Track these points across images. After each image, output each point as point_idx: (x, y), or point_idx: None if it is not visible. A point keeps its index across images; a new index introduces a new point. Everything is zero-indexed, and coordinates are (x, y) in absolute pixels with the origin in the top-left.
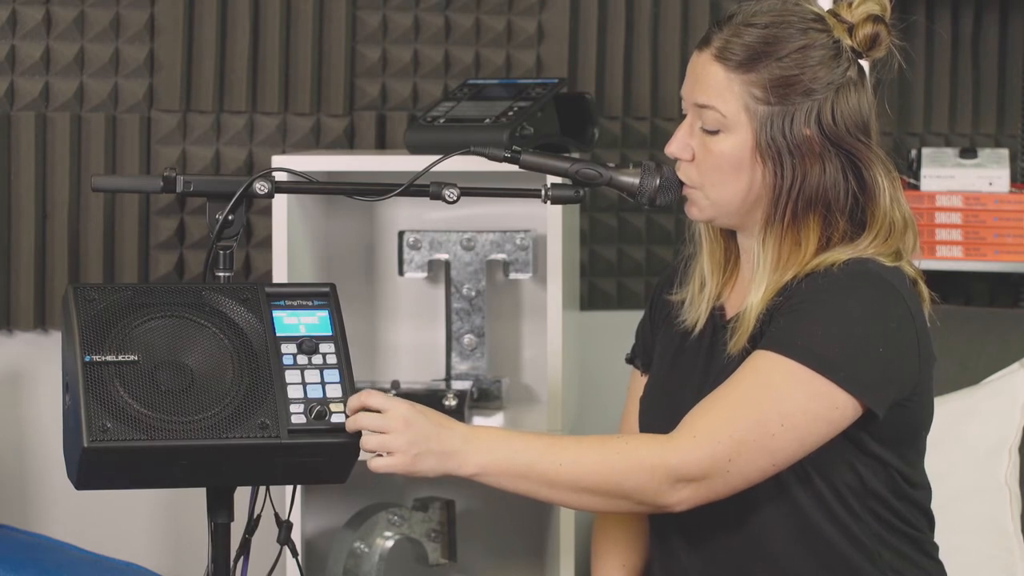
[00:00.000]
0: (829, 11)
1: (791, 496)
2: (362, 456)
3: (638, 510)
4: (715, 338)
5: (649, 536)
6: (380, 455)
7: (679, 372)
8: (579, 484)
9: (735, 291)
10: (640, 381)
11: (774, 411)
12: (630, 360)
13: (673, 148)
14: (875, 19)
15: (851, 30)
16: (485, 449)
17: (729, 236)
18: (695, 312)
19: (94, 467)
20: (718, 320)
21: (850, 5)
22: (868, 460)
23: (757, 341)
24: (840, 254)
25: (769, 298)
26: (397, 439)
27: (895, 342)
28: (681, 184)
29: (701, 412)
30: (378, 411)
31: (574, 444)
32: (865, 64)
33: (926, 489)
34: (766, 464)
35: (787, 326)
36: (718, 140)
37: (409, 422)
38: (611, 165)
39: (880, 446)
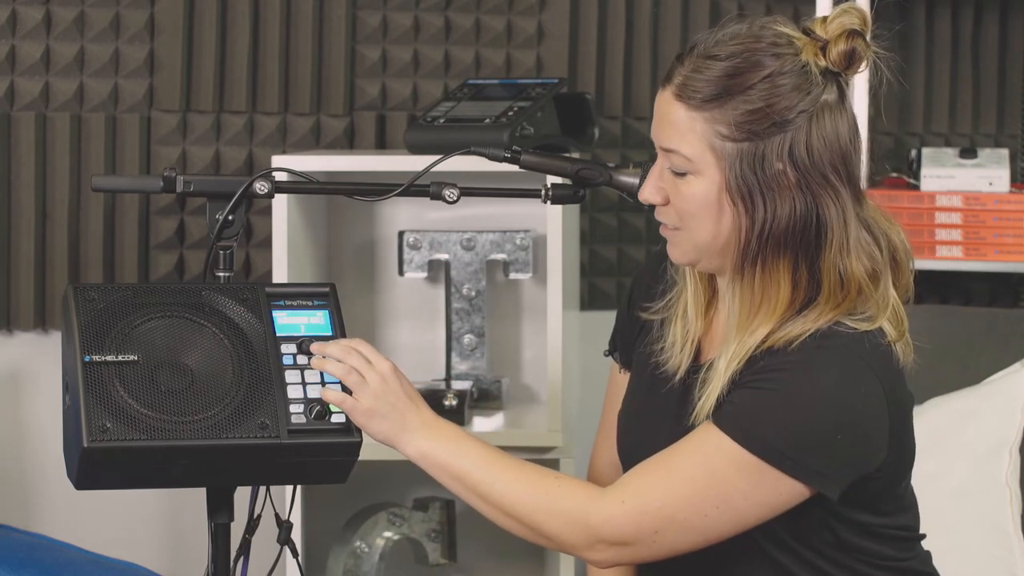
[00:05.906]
0: (803, 28)
1: (768, 554)
2: (322, 390)
3: (564, 552)
4: (689, 381)
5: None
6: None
7: (656, 409)
8: (506, 509)
9: (713, 330)
10: (619, 379)
11: (712, 493)
12: (609, 353)
13: (645, 194)
14: (852, 34)
15: (824, 48)
16: (434, 439)
17: (711, 276)
18: (677, 357)
19: (94, 467)
20: (693, 361)
21: (825, 20)
22: (842, 522)
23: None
24: (807, 323)
25: (736, 364)
26: (368, 389)
27: (857, 425)
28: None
29: (637, 476)
30: (367, 359)
31: (514, 468)
32: (860, 77)
33: (910, 510)
34: (696, 539)
35: (743, 405)
36: (687, 183)
37: (387, 381)
38: (611, 165)
39: (853, 509)
